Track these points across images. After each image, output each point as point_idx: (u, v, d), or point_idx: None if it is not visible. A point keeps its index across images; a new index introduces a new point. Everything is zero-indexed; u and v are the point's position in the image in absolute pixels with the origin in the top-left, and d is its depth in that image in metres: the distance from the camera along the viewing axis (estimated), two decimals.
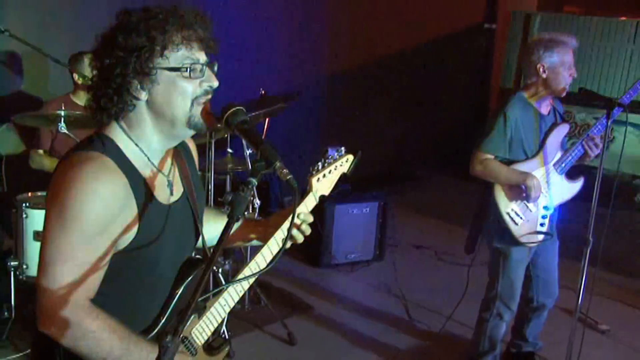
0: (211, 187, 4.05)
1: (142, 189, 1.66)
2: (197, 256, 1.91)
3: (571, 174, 3.59)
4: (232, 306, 1.86)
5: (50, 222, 1.58)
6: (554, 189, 3.52)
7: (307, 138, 6.87)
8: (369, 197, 5.52)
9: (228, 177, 4.62)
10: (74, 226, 1.55)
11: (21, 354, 3.66)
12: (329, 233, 5.30)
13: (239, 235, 2.05)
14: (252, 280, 1.87)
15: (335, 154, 1.98)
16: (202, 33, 1.64)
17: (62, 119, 3.65)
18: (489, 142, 3.42)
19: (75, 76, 4.24)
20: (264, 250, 1.84)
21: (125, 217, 1.61)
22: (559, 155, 3.54)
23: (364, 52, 7.63)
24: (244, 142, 4.27)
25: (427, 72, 8.34)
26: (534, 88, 3.46)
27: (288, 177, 1.56)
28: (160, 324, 1.77)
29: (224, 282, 4.10)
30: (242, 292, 1.87)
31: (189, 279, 1.81)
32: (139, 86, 1.61)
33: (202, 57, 1.65)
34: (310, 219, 1.91)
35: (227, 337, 3.69)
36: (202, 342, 1.86)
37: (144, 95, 1.63)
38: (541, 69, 3.38)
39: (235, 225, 2.03)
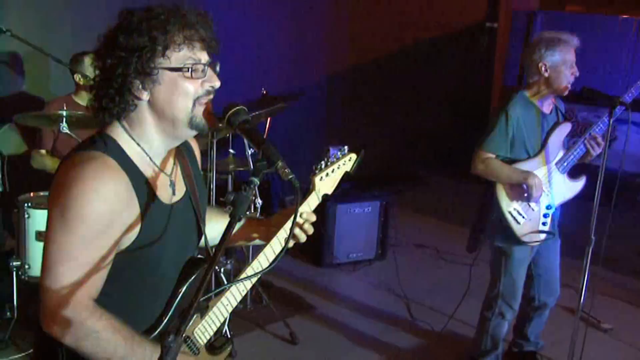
0: (213, 186, 4.05)
1: (144, 188, 1.66)
2: (200, 256, 1.91)
3: (573, 173, 3.59)
4: (234, 306, 1.86)
5: (52, 222, 1.58)
6: (556, 188, 3.52)
7: (308, 137, 6.87)
8: (370, 196, 5.52)
9: (230, 176, 4.62)
10: (76, 226, 1.55)
11: (23, 354, 3.66)
12: (330, 232, 5.30)
13: (242, 235, 2.05)
14: (254, 280, 1.87)
15: (338, 152, 1.97)
16: (204, 33, 1.64)
17: (64, 119, 3.66)
18: (491, 141, 3.42)
19: (77, 77, 4.24)
20: (267, 249, 1.84)
21: (127, 217, 1.61)
22: (561, 154, 3.53)
23: (365, 52, 7.63)
24: (245, 141, 4.27)
25: (429, 71, 8.33)
26: (536, 87, 3.46)
27: (290, 177, 1.56)
28: (163, 323, 1.77)
29: (225, 282, 4.10)
30: (245, 292, 1.88)
31: (192, 278, 1.81)
32: (140, 86, 1.61)
33: (204, 57, 1.65)
34: (313, 218, 1.91)
35: (229, 336, 3.69)
36: (205, 341, 1.86)
37: (145, 95, 1.62)
38: (543, 68, 3.37)
39: (238, 225, 2.03)
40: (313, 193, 1.91)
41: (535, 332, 3.89)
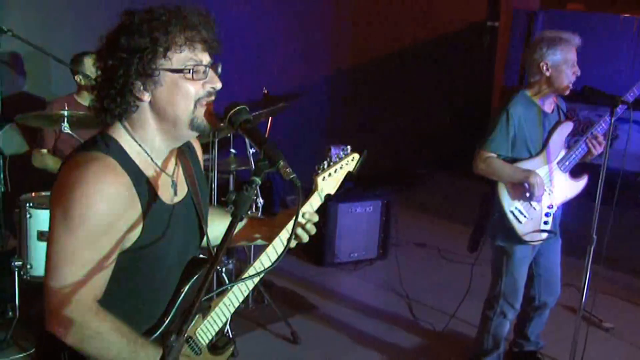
0: (214, 186, 4.05)
1: (145, 188, 1.66)
2: (202, 256, 1.91)
3: (575, 172, 3.58)
4: (236, 306, 1.86)
5: (55, 223, 1.58)
6: (558, 187, 3.52)
7: (309, 137, 6.87)
8: (372, 195, 5.52)
9: (231, 176, 4.63)
10: (78, 227, 1.55)
11: (25, 353, 3.66)
12: (332, 232, 5.30)
13: (244, 235, 2.05)
14: (256, 280, 1.87)
15: (341, 152, 1.97)
16: (205, 34, 1.63)
17: (65, 119, 3.66)
18: (492, 140, 3.42)
19: (77, 77, 4.24)
20: (269, 249, 1.84)
21: (129, 217, 1.61)
22: (562, 153, 3.53)
23: (366, 51, 7.63)
24: (247, 141, 4.27)
25: (430, 70, 8.33)
26: (537, 86, 3.45)
27: (291, 176, 1.55)
28: (165, 323, 1.77)
29: (227, 282, 4.11)
30: (247, 292, 1.87)
31: (194, 278, 1.81)
32: (141, 87, 1.61)
33: (206, 58, 1.65)
34: (316, 218, 1.90)
35: (230, 336, 3.70)
36: (207, 341, 1.86)
37: (146, 97, 1.62)
38: (544, 67, 3.37)
39: (240, 225, 2.03)
40: (315, 193, 1.91)
41: (535, 331, 3.89)
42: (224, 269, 4.23)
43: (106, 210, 1.56)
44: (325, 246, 5.30)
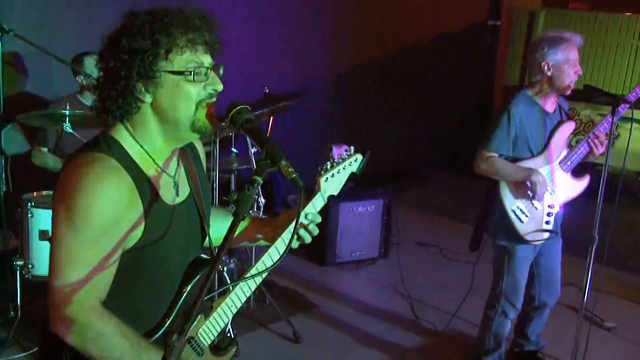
0: (216, 185, 4.05)
1: (147, 189, 1.66)
2: (203, 255, 1.91)
3: (576, 172, 3.58)
4: (239, 307, 1.85)
5: (58, 223, 1.59)
6: (560, 186, 3.52)
7: (311, 136, 6.87)
8: (373, 195, 5.52)
9: (233, 175, 4.63)
10: (81, 227, 1.55)
11: (27, 353, 3.67)
12: (333, 231, 5.30)
13: (246, 236, 2.05)
14: (258, 280, 1.87)
15: (344, 153, 1.96)
16: (207, 36, 1.63)
17: (67, 119, 3.66)
18: (493, 140, 3.42)
19: (79, 78, 4.25)
20: (271, 250, 1.84)
21: (131, 217, 1.61)
22: (564, 153, 3.53)
23: (367, 51, 7.62)
24: (248, 140, 4.28)
25: (431, 69, 8.32)
26: (538, 86, 3.45)
27: (293, 175, 1.55)
28: (167, 323, 1.77)
29: (229, 281, 4.11)
30: (249, 293, 1.87)
31: (196, 278, 1.81)
32: (143, 89, 1.61)
33: (207, 60, 1.65)
34: (319, 219, 1.90)
35: (232, 335, 3.70)
36: (209, 342, 1.86)
37: (148, 98, 1.62)
38: (546, 67, 3.37)
39: (243, 225, 2.03)
40: (318, 194, 1.90)
41: (535, 331, 3.89)
42: (225, 269, 4.23)
43: (108, 211, 1.56)
44: (326, 246, 5.30)
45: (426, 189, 7.93)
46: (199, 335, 1.82)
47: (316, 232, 1.89)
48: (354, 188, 5.42)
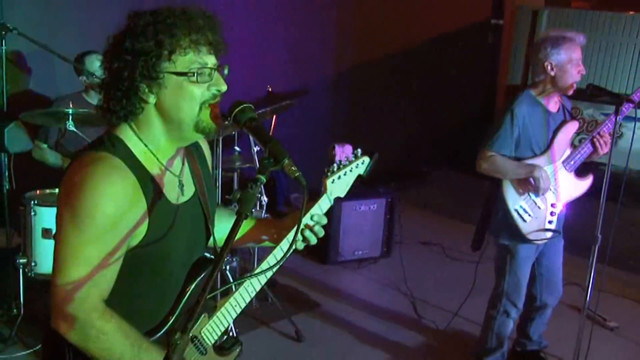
0: (219, 184, 4.06)
1: (151, 187, 1.66)
2: (207, 255, 1.91)
3: (580, 172, 3.57)
4: (242, 307, 1.85)
5: (62, 222, 1.59)
6: (563, 186, 3.51)
7: (313, 135, 6.86)
8: (376, 194, 5.52)
9: (235, 174, 4.63)
10: (85, 226, 1.56)
11: (30, 350, 3.68)
12: (336, 230, 5.30)
13: (251, 237, 2.04)
14: (263, 280, 1.86)
15: (352, 155, 1.96)
16: (211, 36, 1.63)
17: (70, 117, 3.66)
18: (496, 140, 3.41)
19: (82, 78, 4.25)
20: (276, 250, 1.83)
21: (134, 215, 1.62)
22: (567, 152, 3.52)
23: (370, 50, 7.61)
24: (251, 139, 4.28)
25: (434, 68, 8.31)
26: (541, 85, 3.44)
27: (296, 174, 1.55)
28: (170, 322, 1.77)
29: (231, 280, 4.11)
30: (254, 293, 1.86)
31: (200, 277, 1.81)
32: (146, 90, 1.61)
33: (211, 60, 1.64)
34: (324, 220, 1.89)
35: (234, 334, 3.70)
36: (212, 341, 1.86)
37: (152, 99, 1.63)
38: (549, 67, 3.36)
39: (248, 225, 2.03)
40: (325, 195, 1.90)
41: (537, 331, 3.89)
42: (227, 267, 4.23)
43: (112, 209, 1.56)
44: (329, 244, 5.30)
45: (429, 188, 7.93)
46: (202, 334, 1.82)
47: (322, 233, 1.89)
48: (357, 187, 5.40)
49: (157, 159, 1.69)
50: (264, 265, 1.80)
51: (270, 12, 6.56)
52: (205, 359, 1.86)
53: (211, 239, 1.90)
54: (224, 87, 1.67)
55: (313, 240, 1.88)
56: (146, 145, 1.67)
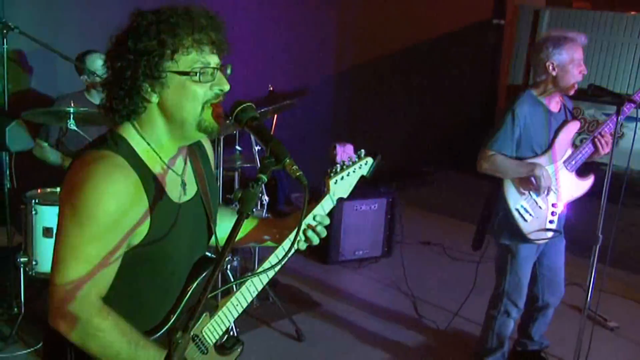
0: (220, 183, 4.05)
1: (153, 186, 1.66)
2: (209, 254, 1.91)
3: (581, 172, 3.57)
4: (244, 306, 1.85)
5: (63, 219, 1.59)
6: (564, 186, 3.51)
7: (315, 135, 6.87)
8: (377, 193, 5.52)
9: (236, 173, 4.63)
10: (86, 223, 1.56)
11: (30, 349, 3.68)
12: (336, 230, 5.30)
13: (253, 236, 2.05)
14: (264, 280, 1.86)
15: (355, 156, 1.96)
16: (214, 36, 1.63)
17: (72, 116, 3.66)
18: (497, 140, 3.41)
19: (83, 78, 4.25)
20: (278, 250, 1.83)
21: (136, 214, 1.62)
22: (569, 152, 3.52)
23: (371, 49, 7.62)
24: (252, 138, 4.27)
25: (435, 68, 8.32)
26: (543, 86, 3.44)
27: (298, 174, 1.54)
28: (171, 321, 1.77)
29: (232, 279, 4.11)
30: (256, 293, 1.86)
31: (201, 277, 1.81)
32: (149, 89, 1.61)
33: (214, 60, 1.64)
34: (327, 221, 1.89)
35: (235, 333, 3.70)
36: (214, 341, 1.86)
37: (154, 98, 1.63)
38: (550, 67, 3.35)
39: (250, 225, 2.03)
40: (327, 196, 1.90)
41: (539, 331, 3.88)
42: (228, 267, 4.23)
43: (114, 207, 1.56)
44: (330, 244, 5.30)
45: (429, 188, 7.94)
46: (204, 333, 1.82)
47: (324, 233, 1.89)
48: (358, 186, 5.41)
49: (160, 157, 1.69)
50: (266, 265, 1.80)
51: (271, 11, 6.56)
52: (207, 358, 1.86)
53: (213, 238, 1.90)
54: (226, 87, 1.67)
55: (315, 241, 1.88)
56: (149, 144, 1.67)
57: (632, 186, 6.02)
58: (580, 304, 3.44)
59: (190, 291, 1.80)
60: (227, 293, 1.85)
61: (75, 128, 3.66)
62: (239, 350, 1.98)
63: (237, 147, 4.55)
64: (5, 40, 3.82)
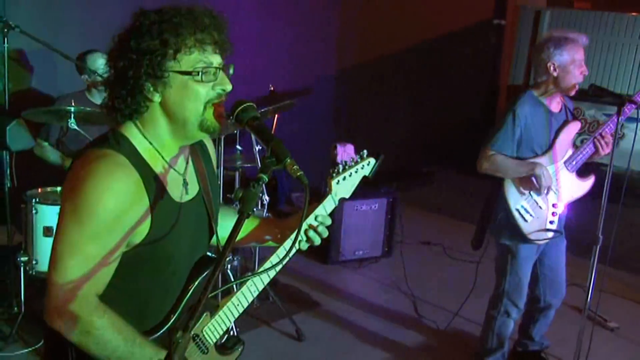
0: (220, 183, 4.05)
1: (154, 185, 1.66)
2: (210, 253, 1.91)
3: (581, 172, 3.57)
4: (245, 306, 1.85)
5: (63, 216, 1.59)
6: (564, 186, 3.51)
7: (315, 135, 6.87)
8: (377, 193, 5.52)
9: (237, 173, 4.63)
10: (87, 221, 1.56)
11: (30, 348, 3.68)
12: (337, 229, 5.30)
13: (255, 236, 2.05)
14: (265, 279, 1.86)
15: (357, 156, 1.96)
16: (216, 36, 1.63)
17: (72, 116, 3.66)
18: (497, 140, 3.40)
19: (83, 78, 4.25)
20: (279, 250, 1.83)
21: (137, 213, 1.62)
22: (569, 152, 3.52)
23: (372, 49, 7.62)
24: (253, 138, 4.27)
25: (436, 68, 8.32)
26: (544, 86, 3.44)
27: (299, 174, 1.54)
28: (172, 320, 1.77)
29: (232, 279, 4.11)
30: (256, 292, 1.86)
31: (202, 276, 1.81)
32: (151, 88, 1.61)
33: (216, 60, 1.64)
34: (329, 221, 1.89)
35: (235, 333, 3.70)
36: (214, 341, 1.86)
37: (157, 98, 1.63)
38: (551, 68, 3.35)
39: (252, 225, 2.03)
40: (329, 196, 1.90)
41: (540, 332, 3.88)
42: (229, 266, 4.23)
43: (114, 206, 1.56)
44: (330, 244, 5.31)
45: (430, 188, 7.93)
46: (204, 333, 1.82)
47: (325, 234, 1.88)
48: (358, 186, 5.41)
49: (162, 157, 1.70)
50: (267, 265, 1.80)
51: (273, 11, 6.56)
52: (207, 358, 1.86)
53: (214, 237, 1.90)
54: (229, 87, 1.67)
55: (317, 241, 1.88)
56: (151, 143, 1.68)
57: (633, 187, 6.01)
58: (581, 304, 3.44)
59: (190, 290, 1.80)
60: (228, 293, 1.85)
61: (75, 127, 3.66)
62: (239, 350, 1.98)
63: (238, 147, 4.55)
64: (6, 39, 3.82)
